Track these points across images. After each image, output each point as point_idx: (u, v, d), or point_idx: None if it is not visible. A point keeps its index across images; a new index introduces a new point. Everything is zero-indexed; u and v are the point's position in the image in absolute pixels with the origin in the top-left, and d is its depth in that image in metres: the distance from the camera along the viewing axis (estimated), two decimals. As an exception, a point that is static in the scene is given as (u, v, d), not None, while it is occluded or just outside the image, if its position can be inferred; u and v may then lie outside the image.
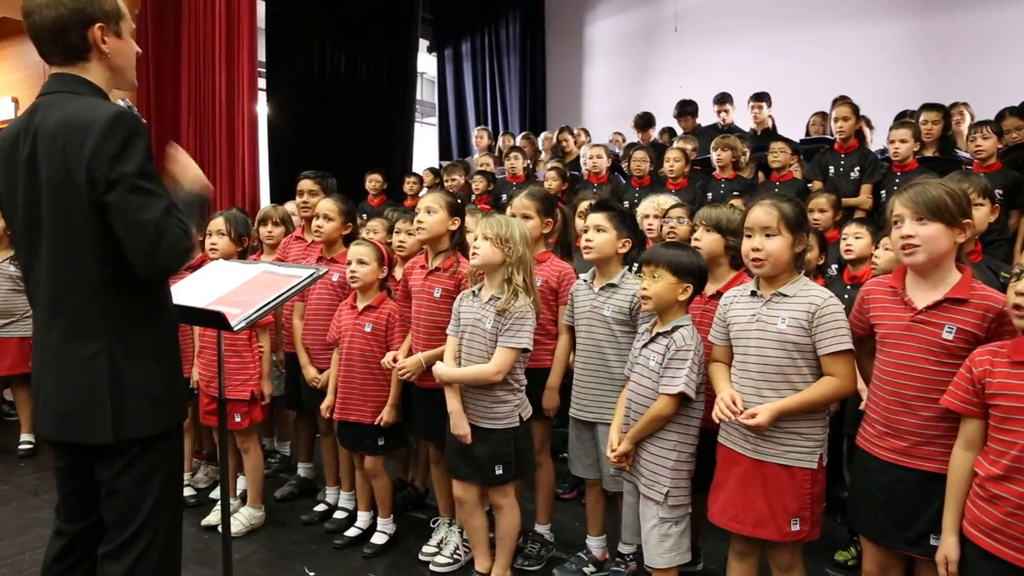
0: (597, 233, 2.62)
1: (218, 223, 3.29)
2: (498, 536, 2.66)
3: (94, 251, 1.63)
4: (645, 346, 2.34)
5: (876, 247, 2.98)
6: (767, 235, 2.08)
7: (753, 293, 2.15)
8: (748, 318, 2.13)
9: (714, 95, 6.35)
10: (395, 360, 2.84)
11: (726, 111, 6.28)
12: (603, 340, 2.61)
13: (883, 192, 4.43)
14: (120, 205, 1.58)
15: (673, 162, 4.96)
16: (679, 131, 6.58)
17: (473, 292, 2.62)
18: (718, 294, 2.47)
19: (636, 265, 2.72)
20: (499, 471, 2.53)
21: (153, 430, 1.73)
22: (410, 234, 3.25)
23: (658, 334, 2.31)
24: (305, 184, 3.66)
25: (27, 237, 1.70)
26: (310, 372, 3.25)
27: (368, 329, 2.95)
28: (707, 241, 2.51)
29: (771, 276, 2.11)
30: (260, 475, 3.30)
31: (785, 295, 2.08)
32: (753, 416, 1.99)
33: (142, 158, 1.60)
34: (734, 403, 2.05)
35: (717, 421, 2.12)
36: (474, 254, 2.52)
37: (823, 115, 5.90)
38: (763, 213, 2.09)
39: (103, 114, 1.58)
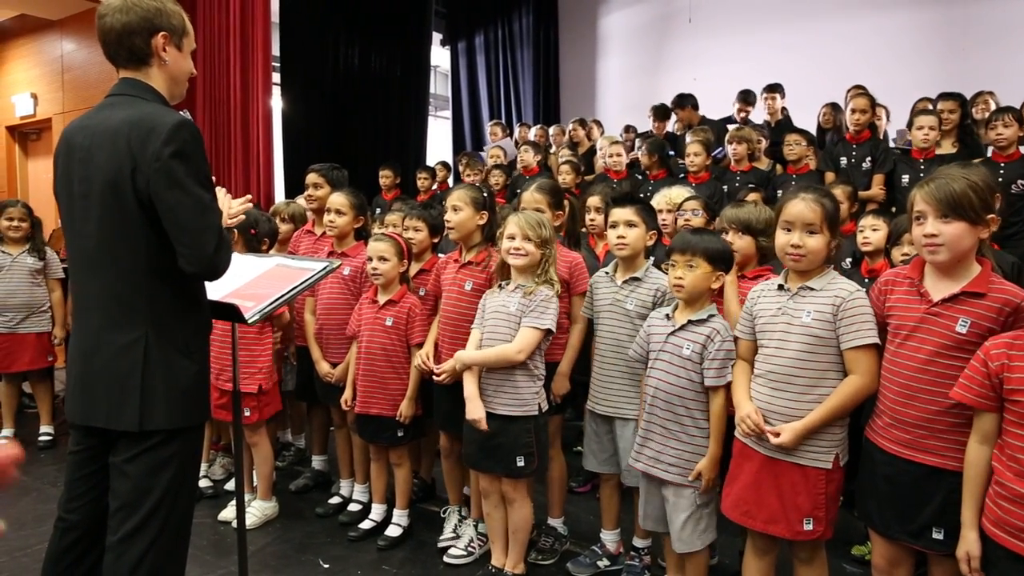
0: (629, 229, 2.57)
1: None
2: (510, 529, 2.66)
3: (142, 245, 1.70)
4: (672, 334, 2.30)
5: (889, 241, 2.95)
6: (810, 232, 2.03)
7: (780, 287, 2.12)
8: (774, 311, 2.10)
9: (738, 92, 6.19)
10: (429, 358, 2.83)
11: (746, 112, 6.12)
12: (624, 334, 2.56)
13: (905, 177, 4.34)
14: (175, 207, 1.66)
15: (693, 156, 4.86)
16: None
17: (500, 286, 2.63)
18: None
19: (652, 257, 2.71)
20: (521, 463, 2.52)
21: (177, 423, 1.76)
22: (417, 231, 3.23)
23: (690, 322, 2.28)
24: (311, 177, 3.66)
25: (76, 227, 1.76)
26: (323, 367, 3.26)
27: (389, 323, 2.96)
28: (741, 245, 2.49)
29: (805, 271, 2.08)
30: (270, 468, 3.31)
31: (812, 288, 2.04)
32: (778, 434, 2.00)
33: (198, 164, 1.70)
34: (756, 423, 2.05)
35: (742, 437, 2.12)
36: (516, 253, 2.51)
37: (834, 106, 5.74)
38: (807, 209, 2.03)
39: (168, 120, 1.67)
